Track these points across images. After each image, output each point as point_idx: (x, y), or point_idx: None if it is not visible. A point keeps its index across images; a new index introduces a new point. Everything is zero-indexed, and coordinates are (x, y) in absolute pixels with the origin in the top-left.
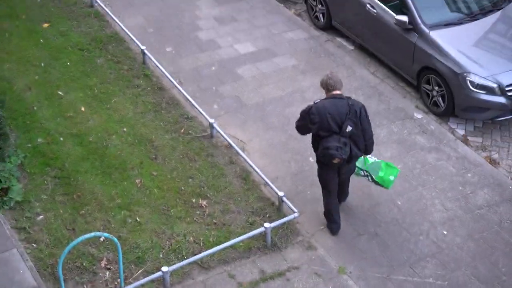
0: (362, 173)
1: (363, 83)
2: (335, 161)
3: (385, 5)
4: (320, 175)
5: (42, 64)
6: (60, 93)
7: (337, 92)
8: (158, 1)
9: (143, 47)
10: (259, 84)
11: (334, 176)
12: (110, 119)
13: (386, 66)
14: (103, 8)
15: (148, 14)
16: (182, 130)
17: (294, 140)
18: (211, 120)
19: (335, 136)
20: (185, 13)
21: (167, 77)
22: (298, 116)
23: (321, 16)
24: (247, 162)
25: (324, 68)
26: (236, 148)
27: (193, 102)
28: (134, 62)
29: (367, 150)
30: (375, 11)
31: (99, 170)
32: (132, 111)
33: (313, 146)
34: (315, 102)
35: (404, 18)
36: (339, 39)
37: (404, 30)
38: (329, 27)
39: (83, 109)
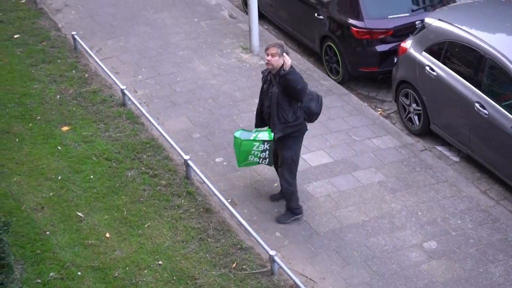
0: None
1: (472, 206)
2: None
3: (499, 104)
4: (296, 150)
5: (59, 178)
6: (80, 214)
7: None
8: (207, 99)
9: (186, 157)
10: (335, 206)
11: None
12: (142, 249)
13: (502, 184)
14: (138, 108)
15: (194, 115)
16: (234, 265)
17: (381, 280)
18: (272, 252)
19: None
20: (241, 115)
21: (216, 195)
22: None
23: (416, 118)
24: None
25: (420, 186)
26: None
27: (249, 228)
28: (175, 176)
29: None
30: (486, 112)
31: None
32: (170, 239)
33: (286, 121)
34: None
35: None
36: (439, 148)
37: None
38: (426, 133)
39: (108, 235)
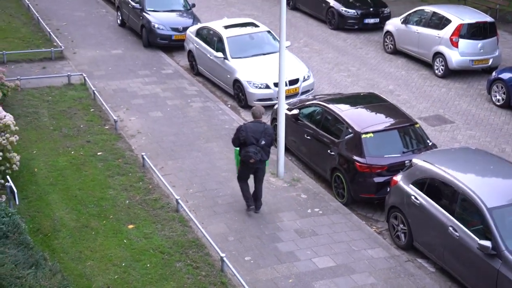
0: None
1: None
2: (252, 160)
3: (468, 229)
4: (241, 172)
5: (123, 264)
6: None
7: (258, 119)
8: (241, 212)
9: (222, 255)
10: None
11: (250, 173)
12: None
13: None
14: (188, 214)
15: (230, 223)
16: None
17: None
18: None
19: (253, 145)
20: (267, 225)
21: (244, 286)
22: None
23: (402, 235)
24: None
25: None
26: None
27: None
28: (213, 269)
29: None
30: (457, 234)
31: None
32: None
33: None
34: (244, 123)
35: (487, 243)
36: (419, 260)
37: (487, 256)
38: (410, 247)
39: None
